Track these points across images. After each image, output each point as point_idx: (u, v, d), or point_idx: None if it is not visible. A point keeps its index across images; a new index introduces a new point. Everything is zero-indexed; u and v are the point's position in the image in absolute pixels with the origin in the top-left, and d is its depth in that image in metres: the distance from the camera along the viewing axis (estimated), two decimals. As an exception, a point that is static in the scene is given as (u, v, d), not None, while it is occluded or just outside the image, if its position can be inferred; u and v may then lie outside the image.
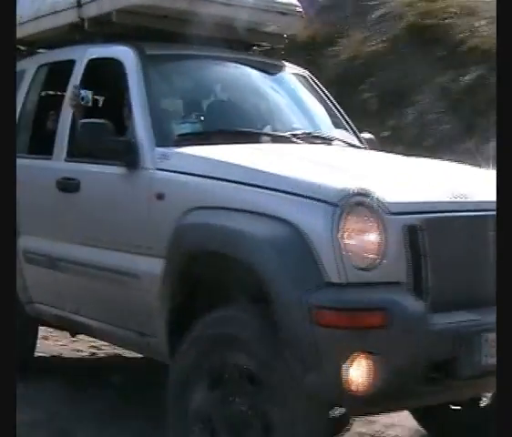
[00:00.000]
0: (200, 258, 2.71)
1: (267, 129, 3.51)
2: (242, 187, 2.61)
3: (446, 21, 6.60)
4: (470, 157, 4.22)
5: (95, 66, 3.77)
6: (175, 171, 2.92)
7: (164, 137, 3.14)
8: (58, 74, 4.10)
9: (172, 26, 3.72)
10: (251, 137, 3.32)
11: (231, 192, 2.65)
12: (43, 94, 4.37)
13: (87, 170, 3.50)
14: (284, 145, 3.35)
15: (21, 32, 3.96)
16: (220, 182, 2.69)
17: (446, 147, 6.13)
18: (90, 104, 3.61)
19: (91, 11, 3.86)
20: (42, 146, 3.99)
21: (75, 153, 3.63)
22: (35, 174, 3.94)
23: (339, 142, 3.63)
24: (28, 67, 4.24)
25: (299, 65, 4.18)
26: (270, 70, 3.93)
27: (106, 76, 3.91)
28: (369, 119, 6.47)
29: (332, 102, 4.01)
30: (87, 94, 3.61)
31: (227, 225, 2.55)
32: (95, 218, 3.43)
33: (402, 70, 7.35)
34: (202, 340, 2.61)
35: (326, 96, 4.03)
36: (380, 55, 7.83)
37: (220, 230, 2.59)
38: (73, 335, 4.38)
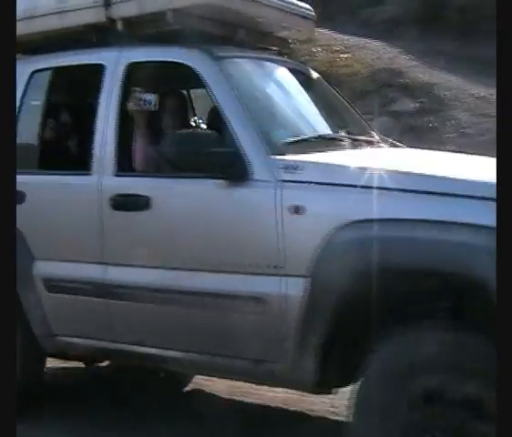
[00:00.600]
0: (394, 274, 2.60)
1: (343, 133, 3.53)
2: (430, 196, 2.60)
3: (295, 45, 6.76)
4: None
5: (138, 70, 3.66)
6: (316, 182, 2.82)
7: (273, 146, 3.04)
8: (74, 79, 4.13)
9: (214, 28, 3.69)
10: (341, 142, 3.32)
11: (417, 203, 2.61)
12: (46, 103, 4.04)
13: (164, 185, 3.38)
14: (370, 149, 3.46)
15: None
16: (393, 192, 2.64)
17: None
18: (155, 108, 3.55)
19: (129, 10, 3.66)
20: (63, 160, 3.92)
21: (134, 167, 3.58)
22: (64, 192, 3.70)
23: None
24: (19, 72, 3.85)
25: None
26: (306, 73, 3.97)
27: (156, 81, 3.86)
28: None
29: (346, 100, 4.13)
30: (152, 98, 3.54)
31: (449, 238, 2.50)
32: (181, 238, 3.24)
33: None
34: (402, 362, 2.53)
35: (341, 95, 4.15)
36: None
37: (437, 244, 2.53)
38: (88, 364, 4.30)
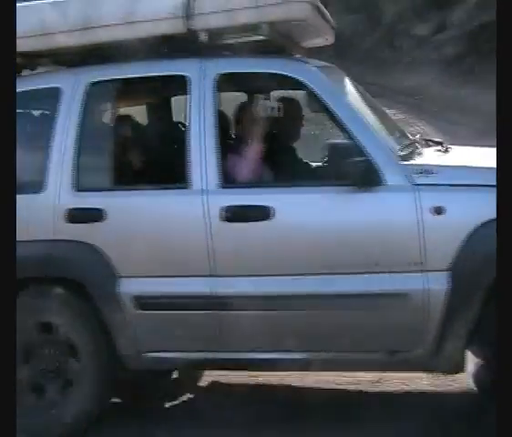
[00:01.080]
0: None
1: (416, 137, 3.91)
2: None
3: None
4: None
5: (227, 81, 3.74)
6: (453, 184, 3.11)
7: (395, 152, 3.34)
8: (150, 91, 4.28)
9: (283, 39, 3.80)
10: (420, 145, 3.66)
11: None
12: (119, 116, 4.14)
13: (289, 195, 3.48)
14: (454, 149, 3.68)
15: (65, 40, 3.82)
16: None
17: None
18: (279, 115, 3.68)
19: (217, 22, 3.63)
20: (148, 176, 3.88)
21: (241, 178, 3.62)
22: (159, 208, 3.66)
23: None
24: (68, 85, 3.88)
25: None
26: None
27: (248, 91, 4.17)
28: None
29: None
30: (277, 105, 3.73)
31: None
32: (310, 245, 3.38)
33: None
34: None
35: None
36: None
37: None
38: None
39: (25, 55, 3.80)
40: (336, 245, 3.39)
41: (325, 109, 3.52)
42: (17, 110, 3.53)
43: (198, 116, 3.60)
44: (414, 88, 10.59)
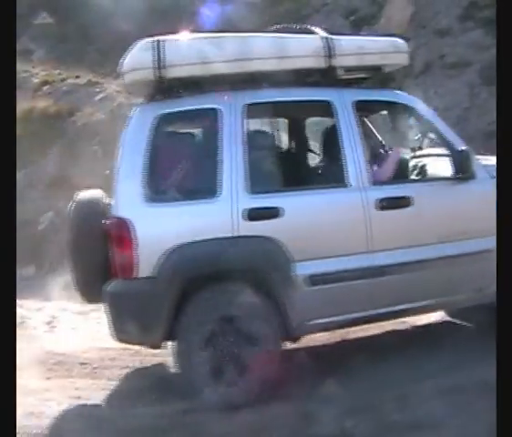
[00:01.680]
0: None
1: None
2: None
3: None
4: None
5: (362, 106, 4.58)
6: None
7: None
8: (300, 110, 5.05)
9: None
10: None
11: None
12: (283, 131, 5.02)
13: (423, 188, 4.72)
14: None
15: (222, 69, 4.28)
16: None
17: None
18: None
19: (350, 62, 4.62)
20: (310, 178, 4.74)
21: (384, 177, 4.72)
22: (327, 204, 4.41)
23: None
24: (226, 106, 4.36)
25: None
26: None
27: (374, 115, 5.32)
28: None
29: None
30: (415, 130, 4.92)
31: None
32: (439, 222, 4.53)
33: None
34: None
35: None
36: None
37: None
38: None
39: (187, 80, 4.32)
40: (450, 221, 4.48)
41: (430, 126, 4.79)
42: (181, 128, 4.61)
43: (346, 132, 4.40)
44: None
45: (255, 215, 4.19)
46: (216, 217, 4.20)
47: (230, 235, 4.13)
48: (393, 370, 4.19)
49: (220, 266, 4.11)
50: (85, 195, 4.79)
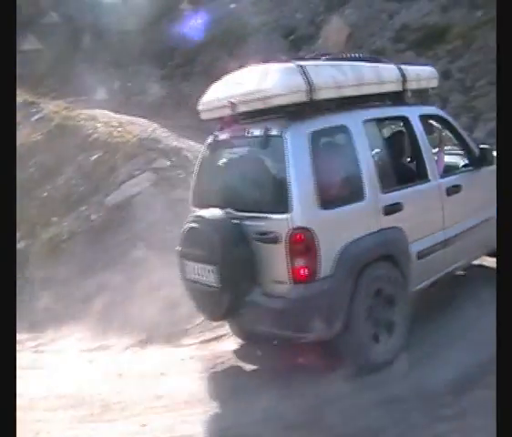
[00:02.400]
0: None
1: None
2: None
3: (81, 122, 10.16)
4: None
5: (422, 118, 5.98)
6: None
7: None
8: (388, 125, 6.50)
9: None
10: None
11: None
12: (387, 139, 6.20)
13: (468, 178, 6.35)
14: None
15: (338, 93, 5.14)
16: None
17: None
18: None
19: (415, 86, 6.06)
20: (410, 176, 5.90)
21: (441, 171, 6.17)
22: (422, 195, 5.82)
23: None
24: (352, 122, 5.28)
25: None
26: None
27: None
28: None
29: None
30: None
31: None
32: (469, 203, 6.19)
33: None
34: None
35: None
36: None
37: None
38: None
39: (325, 101, 5.06)
40: (480, 198, 6.10)
41: (456, 133, 6.39)
42: (323, 143, 5.24)
43: (421, 138, 5.85)
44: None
45: (388, 210, 5.26)
46: (366, 216, 5.12)
47: (376, 229, 5.15)
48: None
49: (377, 253, 5.17)
50: (212, 215, 5.11)
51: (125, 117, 11.19)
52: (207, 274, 5.08)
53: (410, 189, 5.58)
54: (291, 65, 4.98)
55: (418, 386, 4.71)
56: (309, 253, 4.69)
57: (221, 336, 6.96)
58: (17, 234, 8.44)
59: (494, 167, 5.70)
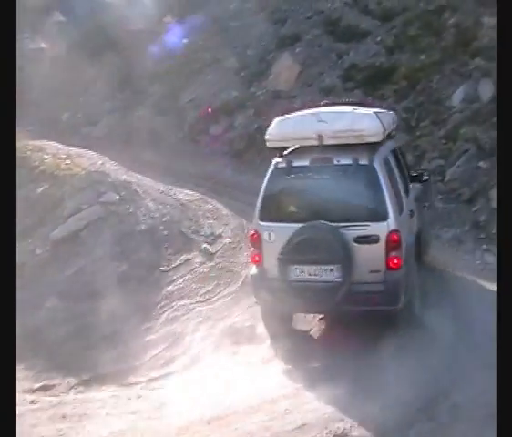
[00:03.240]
0: None
1: None
2: None
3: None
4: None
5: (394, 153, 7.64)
6: None
7: None
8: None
9: None
10: None
11: None
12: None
13: None
14: None
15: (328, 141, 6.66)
16: None
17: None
18: None
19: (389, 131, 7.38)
20: None
21: None
22: None
23: None
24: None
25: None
26: None
27: None
28: None
29: None
30: None
31: None
32: None
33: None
34: None
35: None
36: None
37: None
38: None
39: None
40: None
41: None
42: (386, 168, 7.00)
43: (398, 166, 7.61)
44: (211, 173, 12.62)
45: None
46: (408, 221, 7.16)
47: (414, 230, 7.63)
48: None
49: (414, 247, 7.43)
50: (324, 225, 6.49)
51: (73, 149, 11.06)
52: (326, 273, 6.42)
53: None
54: (371, 112, 6.87)
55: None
56: (400, 248, 6.38)
57: (170, 373, 6.90)
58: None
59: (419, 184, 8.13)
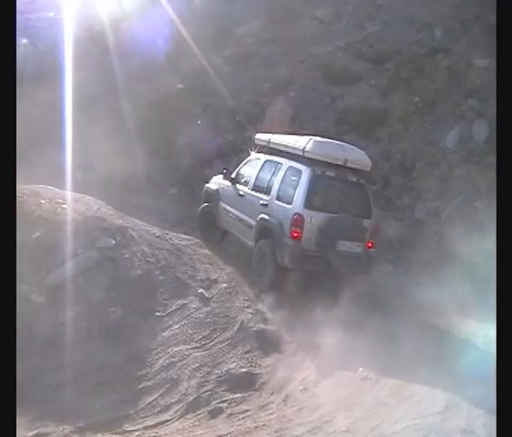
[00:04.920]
0: None
1: None
2: None
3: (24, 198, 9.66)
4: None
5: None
6: None
7: None
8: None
9: None
10: None
11: None
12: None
13: None
14: None
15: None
16: None
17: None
18: None
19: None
20: None
21: None
22: None
23: None
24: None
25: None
26: None
27: None
28: None
29: None
30: None
31: None
32: None
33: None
34: None
35: None
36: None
37: None
38: None
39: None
40: None
41: None
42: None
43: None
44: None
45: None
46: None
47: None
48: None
49: None
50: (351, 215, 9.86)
51: (70, 194, 11.06)
52: (356, 248, 9.67)
53: None
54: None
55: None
56: (377, 233, 9.87)
57: (166, 421, 6.79)
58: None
59: None
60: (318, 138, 9.67)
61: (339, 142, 9.94)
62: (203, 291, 9.40)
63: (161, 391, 7.28)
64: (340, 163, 9.59)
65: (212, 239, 11.59)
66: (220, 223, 11.48)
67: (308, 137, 9.64)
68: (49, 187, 11.18)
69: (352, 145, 10.11)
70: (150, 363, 7.74)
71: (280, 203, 9.44)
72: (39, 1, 18.00)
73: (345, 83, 14.56)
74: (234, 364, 7.70)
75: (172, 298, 9.05)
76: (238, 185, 10.75)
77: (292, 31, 16.39)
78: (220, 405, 6.94)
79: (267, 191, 9.94)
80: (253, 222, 10.07)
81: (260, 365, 7.90)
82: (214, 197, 11.43)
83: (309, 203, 9.28)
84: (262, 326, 8.88)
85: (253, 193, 10.31)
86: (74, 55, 16.19)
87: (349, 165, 9.65)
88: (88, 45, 16.77)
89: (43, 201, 10.30)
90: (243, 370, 7.55)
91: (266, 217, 9.67)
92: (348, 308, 8.55)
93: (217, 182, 11.55)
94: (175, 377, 7.48)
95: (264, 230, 9.80)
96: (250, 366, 7.46)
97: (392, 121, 13.41)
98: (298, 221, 9.21)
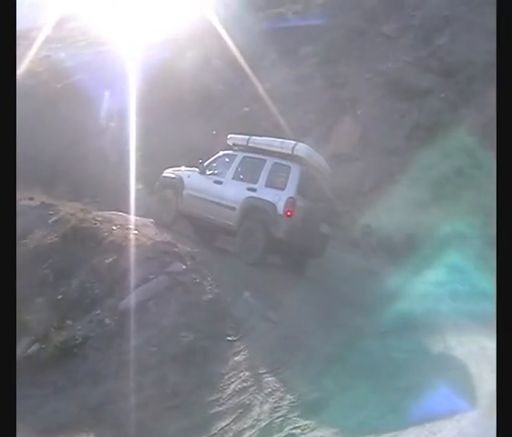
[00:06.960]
0: None
1: None
2: None
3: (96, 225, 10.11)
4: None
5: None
6: None
7: None
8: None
9: None
10: None
11: None
12: None
13: None
14: None
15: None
16: None
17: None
18: None
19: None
20: None
21: None
22: None
23: None
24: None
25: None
26: None
27: None
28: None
29: None
30: None
31: None
32: None
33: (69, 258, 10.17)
34: None
35: None
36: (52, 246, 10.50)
37: None
38: None
39: None
40: None
41: None
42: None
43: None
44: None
45: None
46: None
47: None
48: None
49: None
50: None
51: (140, 220, 11.31)
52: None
53: None
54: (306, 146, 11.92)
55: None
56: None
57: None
58: (31, 337, 8.31)
59: None
60: (308, 146, 12.02)
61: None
62: (272, 314, 9.31)
63: (234, 417, 7.19)
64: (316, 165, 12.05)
65: (165, 222, 12.27)
66: (181, 208, 12.40)
67: (293, 141, 11.89)
68: (120, 213, 11.44)
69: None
70: (222, 388, 7.67)
71: (270, 189, 11.29)
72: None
73: (414, 98, 14.22)
74: (306, 389, 7.54)
75: (243, 322, 8.95)
76: (213, 175, 12.08)
77: (357, 48, 16.21)
78: (293, 432, 6.79)
79: (252, 180, 11.60)
80: (235, 205, 11.52)
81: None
82: (177, 184, 12.44)
83: (301, 191, 11.29)
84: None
85: (235, 181, 11.83)
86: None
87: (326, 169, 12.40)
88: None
89: (115, 227, 10.54)
90: (316, 394, 7.36)
91: (255, 195, 11.33)
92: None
93: (177, 173, 12.57)
94: (247, 402, 7.38)
95: (251, 209, 11.39)
96: (322, 391, 7.26)
97: (463, 135, 13.01)
98: (292, 203, 11.07)
